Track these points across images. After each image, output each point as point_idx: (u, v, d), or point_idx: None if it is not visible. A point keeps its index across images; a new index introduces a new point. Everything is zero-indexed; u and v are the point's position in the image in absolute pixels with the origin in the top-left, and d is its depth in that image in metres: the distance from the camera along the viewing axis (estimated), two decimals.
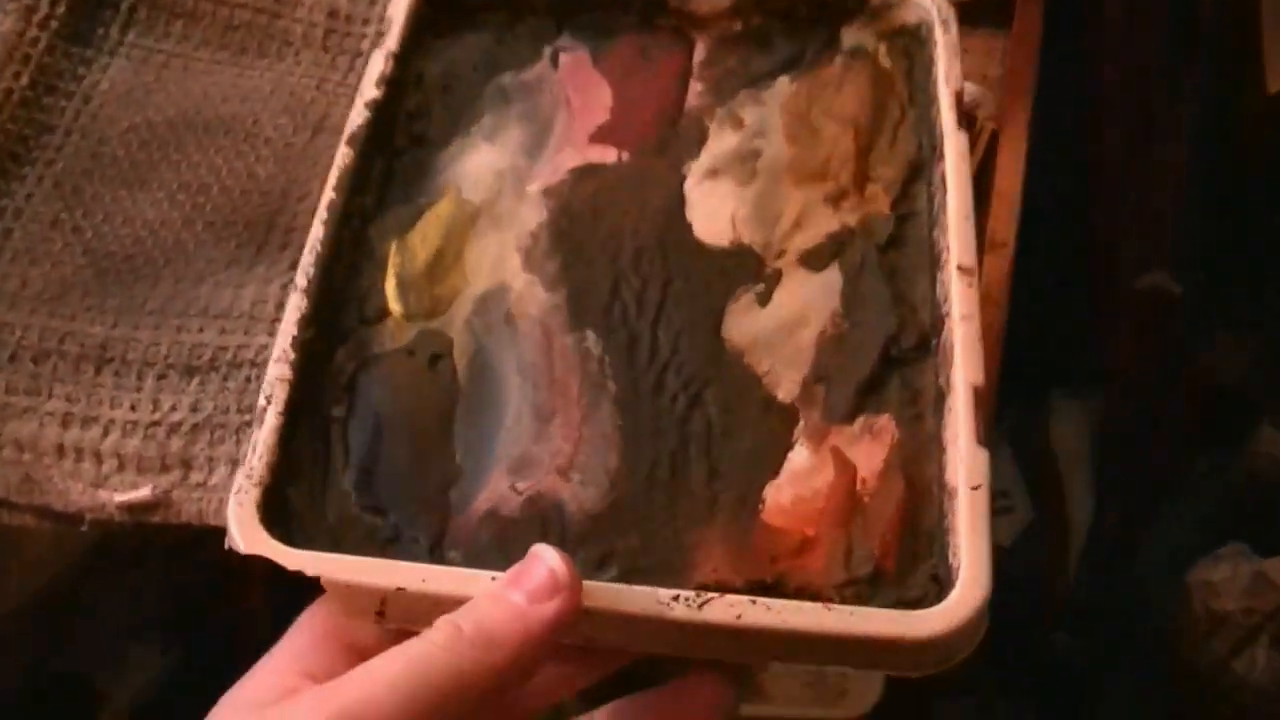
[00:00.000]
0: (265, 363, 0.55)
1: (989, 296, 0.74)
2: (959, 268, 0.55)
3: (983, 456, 0.51)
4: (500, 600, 0.45)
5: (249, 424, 0.55)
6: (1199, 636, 1.07)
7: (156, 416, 0.56)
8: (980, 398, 0.52)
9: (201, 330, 0.59)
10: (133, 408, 0.57)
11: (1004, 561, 1.12)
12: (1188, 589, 1.08)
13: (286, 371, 0.53)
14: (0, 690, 0.80)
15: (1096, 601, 1.17)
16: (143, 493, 0.54)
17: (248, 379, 0.57)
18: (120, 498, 0.54)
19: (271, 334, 0.57)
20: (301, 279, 0.56)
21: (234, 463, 0.54)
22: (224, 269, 0.62)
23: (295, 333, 0.54)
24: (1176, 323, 1.19)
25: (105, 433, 0.56)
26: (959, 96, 0.61)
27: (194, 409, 0.57)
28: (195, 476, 0.55)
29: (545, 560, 0.45)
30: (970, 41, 0.77)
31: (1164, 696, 1.12)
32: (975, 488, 0.50)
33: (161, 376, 0.58)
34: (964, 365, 0.53)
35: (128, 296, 0.60)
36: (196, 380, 0.58)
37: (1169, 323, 1.19)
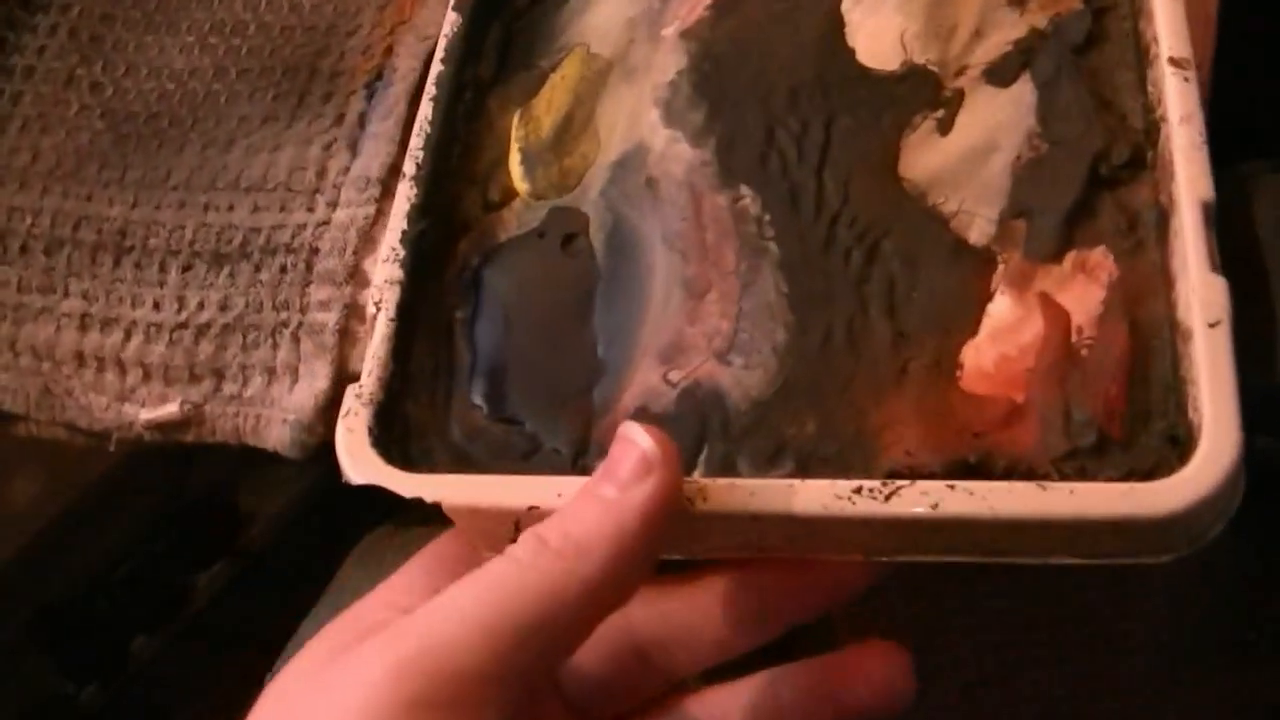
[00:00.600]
0: (302, 248, 0.50)
1: None
2: (1171, 60, 0.46)
3: (1220, 285, 0.42)
4: (588, 498, 0.38)
5: (285, 324, 0.50)
6: None
7: (183, 317, 0.51)
8: (1210, 214, 0.43)
9: (232, 208, 0.53)
10: (156, 306, 0.52)
11: None
12: None
13: (397, 272, 0.47)
14: (141, 512, 0.77)
15: None
16: (170, 409, 0.49)
17: (283, 268, 0.51)
18: (147, 415, 0.50)
19: (311, 209, 0.51)
20: (410, 165, 0.50)
21: (270, 370, 0.49)
22: (259, 127, 0.55)
23: (405, 226, 0.48)
24: None
25: (127, 336, 0.51)
26: None
27: (223, 307, 0.51)
28: (228, 388, 0.50)
29: (634, 440, 0.38)
30: None
31: None
32: (1214, 324, 0.41)
33: (186, 268, 0.52)
34: (1188, 178, 0.44)
35: (150, 167, 0.55)
36: (226, 271, 0.52)
37: None
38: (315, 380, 0.50)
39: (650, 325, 0.47)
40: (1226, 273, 0.44)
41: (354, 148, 0.54)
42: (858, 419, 0.44)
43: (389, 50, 0.57)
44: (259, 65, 0.57)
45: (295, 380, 0.49)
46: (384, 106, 0.55)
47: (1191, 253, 0.42)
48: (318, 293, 0.50)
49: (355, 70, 0.56)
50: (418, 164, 0.49)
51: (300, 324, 0.50)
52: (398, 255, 0.47)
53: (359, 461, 0.44)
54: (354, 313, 0.52)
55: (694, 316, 0.46)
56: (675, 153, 0.50)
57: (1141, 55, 0.48)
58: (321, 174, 0.53)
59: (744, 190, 0.48)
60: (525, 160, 0.51)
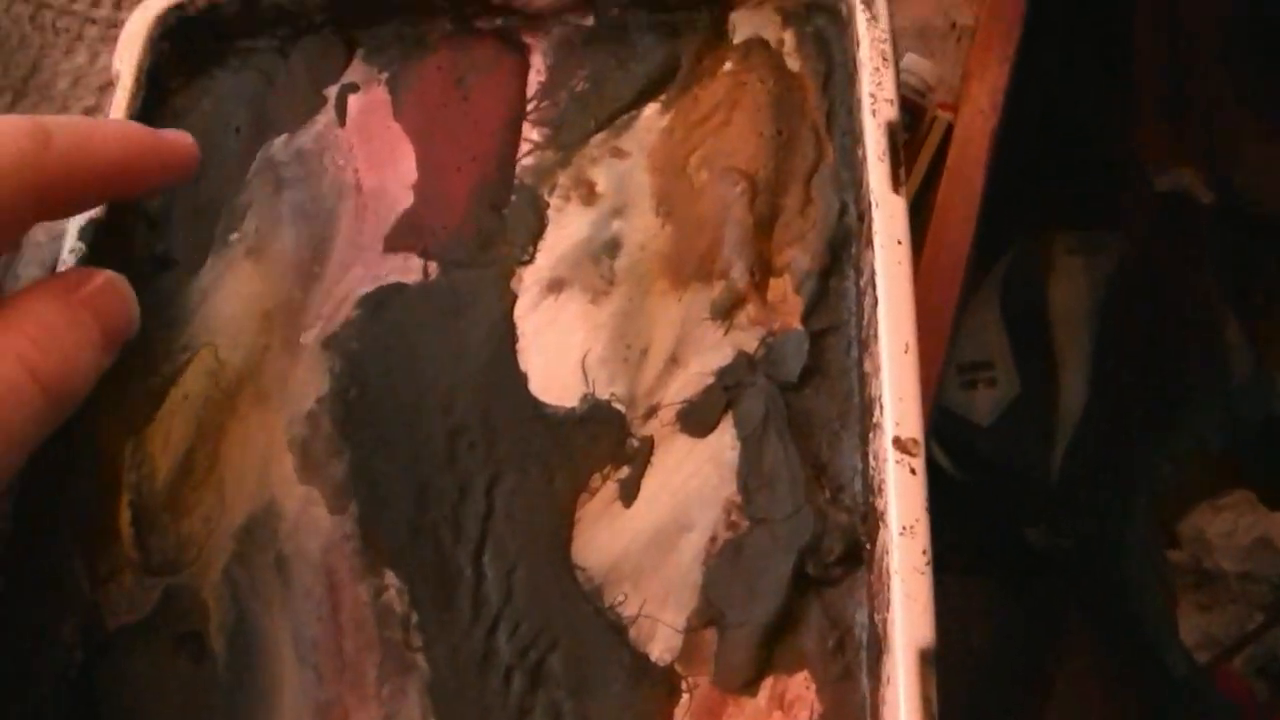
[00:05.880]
0: None
1: (967, 152, 0.56)
2: (896, 441, 0.38)
3: None
4: None
5: None
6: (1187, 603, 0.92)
7: None
8: (930, 661, 0.36)
9: None
10: None
11: (981, 442, 0.96)
12: (1178, 537, 0.92)
13: None
14: None
15: (1079, 504, 1.00)
16: None
17: None
18: None
19: None
20: None
21: None
22: None
23: None
24: (1202, 227, 0.97)
25: None
26: (893, 132, 0.42)
27: None
28: None
29: None
30: None
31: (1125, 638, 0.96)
32: None
33: None
34: (907, 619, 0.37)
35: None
36: None
37: (1194, 227, 0.97)
38: None
39: None
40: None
41: None
42: None
43: None
44: None
45: None
46: None
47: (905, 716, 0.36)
48: None
49: None
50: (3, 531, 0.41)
51: None
52: None
53: None
54: None
55: None
56: (311, 520, 0.42)
57: (864, 407, 0.40)
58: None
59: (390, 578, 0.41)
60: (136, 520, 0.42)
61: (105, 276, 0.39)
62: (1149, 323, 1.01)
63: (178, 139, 0.41)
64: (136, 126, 0.40)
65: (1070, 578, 1.01)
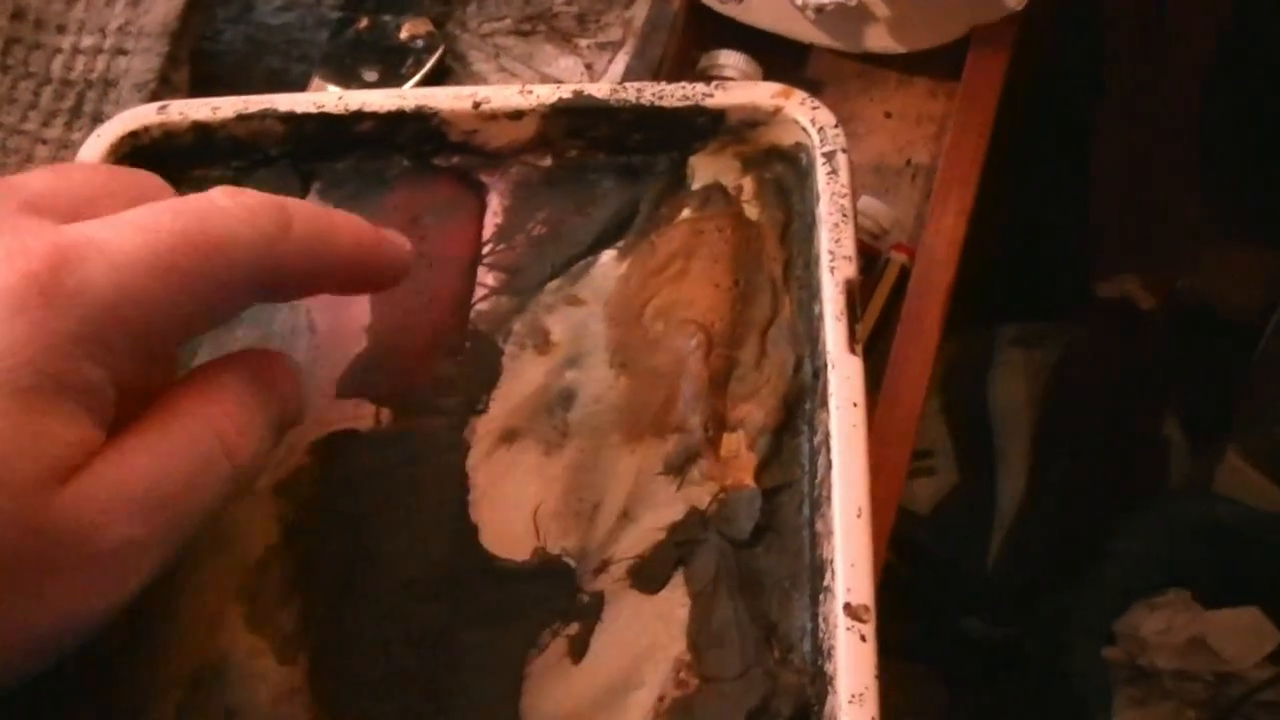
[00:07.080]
0: None
1: (924, 309, 0.56)
2: (847, 608, 0.38)
3: None
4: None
5: None
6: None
7: None
8: None
9: None
10: None
11: (919, 531, 0.97)
12: (1113, 636, 0.93)
13: None
14: None
15: (1014, 596, 1.01)
16: None
17: None
18: None
19: None
20: None
21: None
22: None
23: None
24: (1147, 337, 0.99)
25: None
26: (850, 290, 0.43)
27: None
28: None
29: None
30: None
31: None
32: None
33: None
34: None
35: None
36: None
37: (1134, 330, 0.99)
38: None
39: None
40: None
41: None
42: None
43: None
44: None
45: None
46: None
47: None
48: None
49: None
50: None
51: None
52: None
53: None
54: None
55: None
56: (260, 673, 0.41)
57: (815, 569, 0.41)
58: None
59: None
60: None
61: (287, 361, 0.41)
62: (1089, 418, 1.02)
63: (401, 241, 0.42)
64: (367, 225, 0.41)
65: (1006, 668, 1.02)
